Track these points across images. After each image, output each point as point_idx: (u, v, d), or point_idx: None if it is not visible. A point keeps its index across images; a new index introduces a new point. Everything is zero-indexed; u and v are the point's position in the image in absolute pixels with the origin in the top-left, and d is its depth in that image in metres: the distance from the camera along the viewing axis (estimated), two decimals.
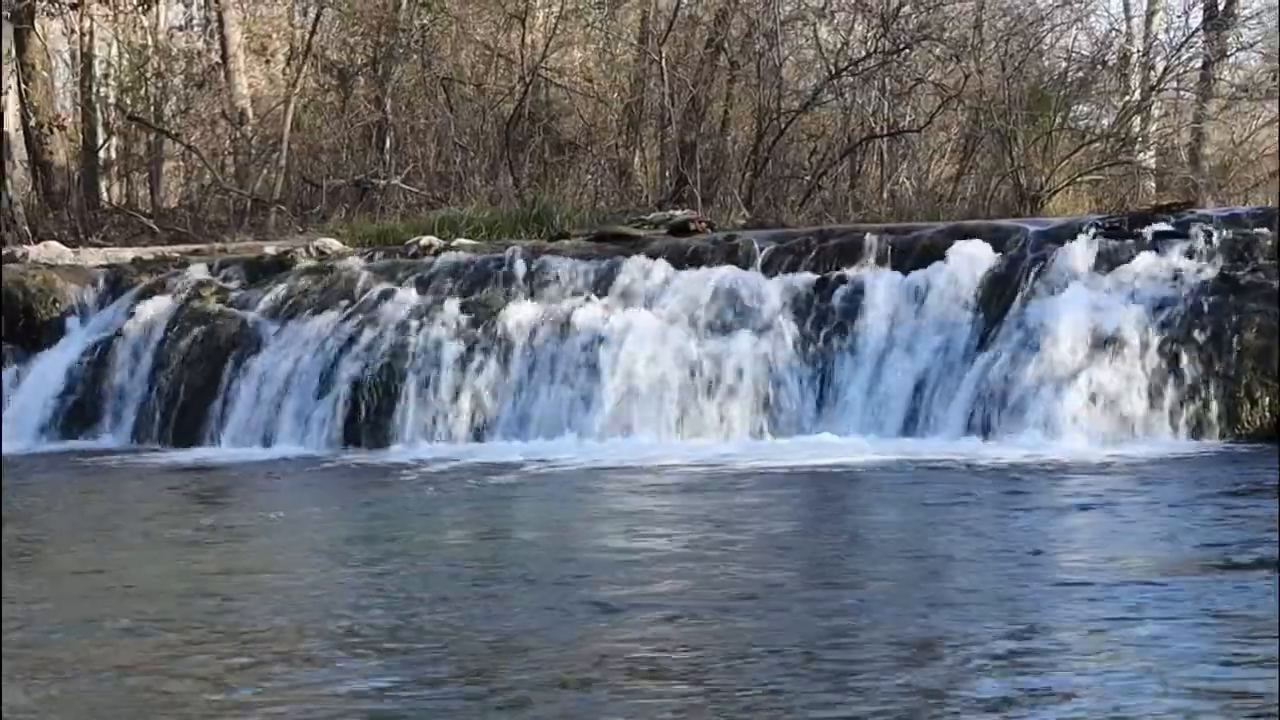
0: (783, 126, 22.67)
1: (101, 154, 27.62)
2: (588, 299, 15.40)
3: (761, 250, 15.67)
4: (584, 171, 23.48)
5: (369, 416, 14.95)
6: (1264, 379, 13.27)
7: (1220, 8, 28.29)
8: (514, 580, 7.84)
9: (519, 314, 15.36)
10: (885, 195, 22.08)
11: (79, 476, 13.51)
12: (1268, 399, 13.21)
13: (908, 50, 23.07)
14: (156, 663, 6.21)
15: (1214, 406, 13.23)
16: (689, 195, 21.37)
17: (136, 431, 15.85)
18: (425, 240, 17.36)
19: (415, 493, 11.75)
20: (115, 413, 16.10)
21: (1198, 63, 26.32)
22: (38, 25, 24.47)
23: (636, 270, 15.60)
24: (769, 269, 15.45)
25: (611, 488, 11.66)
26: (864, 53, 23.14)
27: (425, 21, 25.18)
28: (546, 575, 7.89)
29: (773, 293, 15.05)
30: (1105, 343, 13.61)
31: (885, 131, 22.80)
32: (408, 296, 15.87)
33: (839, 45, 23.75)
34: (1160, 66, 25.92)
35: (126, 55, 28.27)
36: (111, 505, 11.80)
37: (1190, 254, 14.36)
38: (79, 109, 27.81)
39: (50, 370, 16.52)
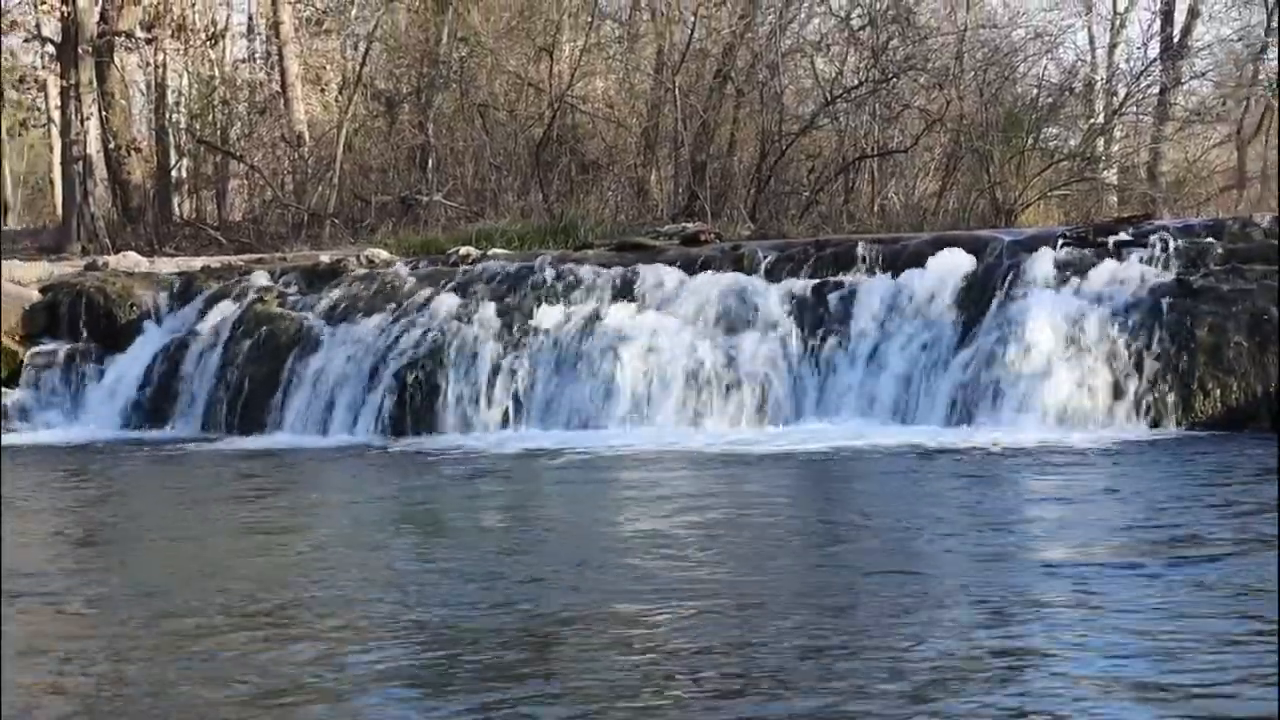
0: (783, 148, 22.71)
1: (174, 173, 27.76)
2: (609, 302, 15.44)
3: (764, 258, 15.69)
4: (606, 188, 23.52)
5: (413, 408, 15.00)
6: (1215, 373, 13.28)
7: (1175, 40, 28.32)
8: (561, 560, 7.86)
9: (548, 316, 15.40)
10: (876, 209, 22.09)
11: (158, 461, 13.56)
12: (1219, 391, 13.21)
13: (896, 79, 23.09)
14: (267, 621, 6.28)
15: (1170, 398, 13.23)
16: (699, 209, 21.41)
17: (206, 421, 15.91)
18: (464, 250, 17.42)
19: (460, 477, 11.76)
20: (187, 405, 16.17)
21: (1155, 89, 26.36)
22: (116, 58, 24.59)
23: (653, 276, 15.63)
24: (771, 275, 15.47)
25: (632, 473, 11.66)
26: (856, 81, 23.17)
27: (463, 54, 25.25)
28: (590, 556, 7.86)
29: (775, 296, 15.07)
30: (1073, 340, 13.62)
31: (875, 152, 22.81)
32: (448, 300, 15.91)
33: (834, 75, 23.80)
34: (1122, 93, 25.96)
35: (196, 85, 28.41)
36: (190, 484, 11.86)
37: (1149, 261, 14.35)
38: (154, 133, 27.95)
39: (129, 368, 16.61)
